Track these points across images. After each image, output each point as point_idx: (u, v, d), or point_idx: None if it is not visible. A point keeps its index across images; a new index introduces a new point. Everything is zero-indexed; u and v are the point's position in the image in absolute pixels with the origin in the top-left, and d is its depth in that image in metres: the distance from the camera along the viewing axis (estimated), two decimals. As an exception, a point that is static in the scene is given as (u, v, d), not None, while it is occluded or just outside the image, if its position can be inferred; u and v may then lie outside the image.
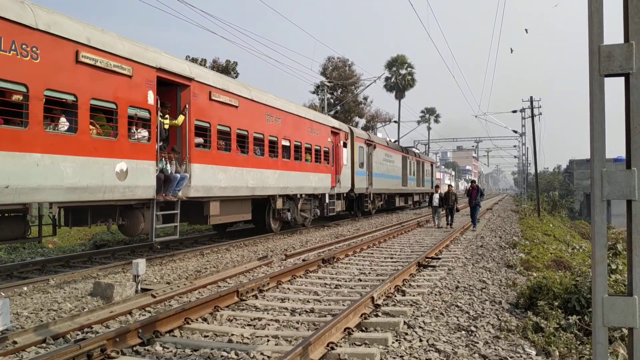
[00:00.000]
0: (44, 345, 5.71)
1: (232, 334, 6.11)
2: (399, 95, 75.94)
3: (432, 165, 46.76)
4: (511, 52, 30.42)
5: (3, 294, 8.26)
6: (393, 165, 33.27)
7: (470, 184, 23.14)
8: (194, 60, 42.74)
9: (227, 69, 44.36)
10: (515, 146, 79.02)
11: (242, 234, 18.57)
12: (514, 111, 53.22)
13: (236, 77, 44.59)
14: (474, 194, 21.20)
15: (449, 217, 22.15)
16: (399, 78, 74.46)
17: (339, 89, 61.15)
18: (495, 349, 5.70)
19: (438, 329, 6.43)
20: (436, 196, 22.19)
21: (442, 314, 7.17)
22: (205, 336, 6.19)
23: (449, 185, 25.19)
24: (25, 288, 8.77)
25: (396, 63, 74.45)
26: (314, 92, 61.01)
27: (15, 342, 5.60)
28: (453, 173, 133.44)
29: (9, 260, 12.20)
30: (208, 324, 6.73)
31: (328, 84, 49.51)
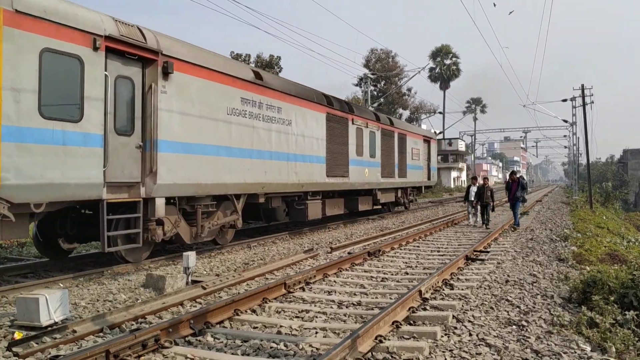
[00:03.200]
0: (101, 334, 5.92)
1: (281, 326, 6.18)
2: (444, 86, 74.93)
3: (428, 142, 29.09)
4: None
5: (62, 285, 8.60)
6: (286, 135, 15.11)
7: (509, 175, 19.40)
8: (237, 56, 43.25)
9: (271, 64, 44.66)
10: (565, 136, 76.76)
11: (287, 226, 18.71)
12: (564, 100, 51.62)
13: (279, 71, 44.86)
14: (514, 187, 18.09)
15: (484, 216, 18.49)
16: (444, 68, 73.37)
17: (382, 80, 60.73)
18: (548, 344, 5.58)
19: (488, 323, 6.34)
20: (473, 189, 19.24)
21: (492, 308, 7.06)
22: (255, 327, 6.29)
23: (485, 178, 19.37)
24: (82, 279, 9.10)
25: (441, 53, 73.42)
26: (356, 85, 60.83)
27: (74, 331, 5.84)
28: (500, 164, 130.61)
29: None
30: (257, 315, 6.83)
31: (371, 76, 49.22)
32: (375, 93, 57.23)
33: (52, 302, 6.08)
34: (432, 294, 7.68)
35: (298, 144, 14.98)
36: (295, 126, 14.85)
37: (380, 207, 24.02)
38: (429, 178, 29.22)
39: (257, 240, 14.42)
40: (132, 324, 6.32)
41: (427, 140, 29.05)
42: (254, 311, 6.98)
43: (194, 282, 8.58)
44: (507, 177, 19.58)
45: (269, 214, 15.71)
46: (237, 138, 12.18)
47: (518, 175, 18.92)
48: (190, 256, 8.62)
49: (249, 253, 12.42)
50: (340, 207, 18.62)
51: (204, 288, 8.02)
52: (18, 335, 5.73)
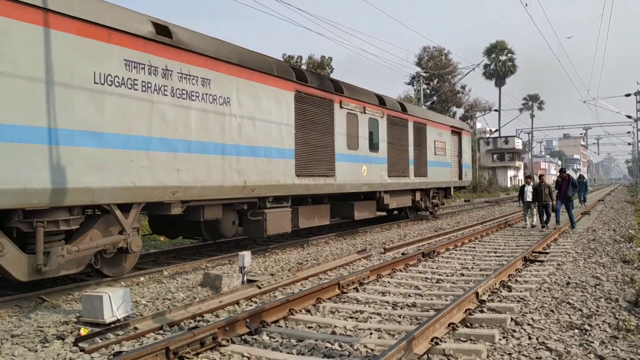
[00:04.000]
0: (160, 331, 6.10)
1: (335, 326, 6.20)
2: (499, 83, 73.22)
3: (459, 134, 24.37)
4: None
5: (123, 284, 8.91)
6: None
7: (559, 173, 18.24)
8: (289, 58, 43.62)
9: (322, 65, 44.81)
10: (629, 132, 73.50)
11: (339, 227, 18.72)
12: (628, 95, 49.50)
13: (330, 72, 44.95)
14: (564, 186, 17.07)
15: (544, 216, 17.34)
16: (499, 65, 71.70)
17: (435, 79, 59.94)
18: (613, 350, 5.36)
19: (548, 326, 6.14)
20: (528, 189, 17.83)
21: (552, 311, 6.84)
22: (309, 327, 6.33)
23: (541, 176, 17.89)
24: (142, 278, 9.41)
25: (495, 49, 71.77)
26: (409, 83, 60.30)
27: (136, 328, 6.04)
28: (559, 163, 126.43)
29: None
30: (311, 315, 6.87)
31: (424, 74, 48.66)
32: (428, 91, 56.52)
33: (115, 300, 6.31)
34: (489, 295, 7.52)
35: (243, 131, 10.67)
36: (237, 107, 10.53)
37: (389, 213, 20.80)
38: (460, 177, 24.06)
39: (310, 240, 14.51)
40: (191, 322, 6.48)
41: (456, 132, 23.97)
42: (308, 311, 7.03)
43: (249, 281, 8.72)
44: (557, 176, 18.54)
45: (210, 229, 11.47)
46: (119, 119, 8.19)
47: (567, 173, 17.81)
48: (246, 256, 8.76)
49: (302, 253, 12.51)
50: (325, 215, 14.47)
51: (259, 287, 8.13)
52: (84, 331, 5.98)
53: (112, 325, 6.15)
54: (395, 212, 21.51)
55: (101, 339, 5.73)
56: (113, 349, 5.44)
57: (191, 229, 11.71)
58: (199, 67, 9.66)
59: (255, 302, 7.60)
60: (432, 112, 23.17)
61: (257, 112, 11.15)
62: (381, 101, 16.81)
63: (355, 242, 14.41)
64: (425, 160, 20.19)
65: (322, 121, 13.56)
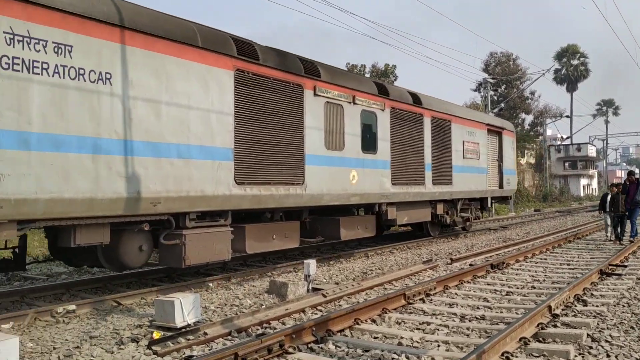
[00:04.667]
0: (229, 337, 6.22)
1: (402, 337, 6.12)
2: (571, 88, 70.57)
3: (499, 134, 20.52)
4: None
5: (193, 289, 9.17)
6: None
7: (627, 176, 16.49)
8: (353, 67, 43.75)
9: (386, 73, 44.67)
10: None
11: (404, 236, 18.51)
12: None
13: (394, 80, 44.73)
14: (633, 190, 15.48)
15: (619, 228, 15.68)
16: (570, 69, 69.11)
17: (502, 84, 58.45)
18: (701, 371, 5.02)
19: (628, 344, 5.83)
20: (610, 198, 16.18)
21: (632, 327, 6.49)
22: (375, 337, 6.28)
23: (615, 185, 16.31)
24: (211, 284, 9.65)
25: (567, 53, 69.22)
26: (475, 90, 59.07)
27: (206, 333, 6.19)
28: (638, 171, 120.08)
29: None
30: (377, 325, 6.82)
31: (491, 80, 47.55)
32: (495, 98, 55.20)
33: (185, 305, 6.50)
34: (562, 309, 7.22)
35: (138, 121, 7.78)
36: (126, 86, 7.65)
37: (392, 229, 17.96)
38: (500, 185, 20.13)
39: (374, 249, 14.43)
40: (258, 329, 6.58)
41: (495, 131, 19.98)
42: (374, 321, 6.98)
43: (314, 289, 8.77)
44: (624, 179, 16.68)
45: (110, 256, 8.44)
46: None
47: (636, 177, 16.17)
48: (311, 264, 8.82)
49: (367, 262, 12.46)
50: (292, 235, 11.03)
51: (324, 296, 8.16)
52: (156, 334, 6.19)
53: (183, 329, 6.33)
54: (405, 227, 18.31)
55: (173, 343, 5.91)
56: (184, 353, 5.61)
57: (90, 256, 8.78)
58: (48, 27, 6.81)
59: (321, 311, 7.63)
60: (459, 106, 18.36)
61: (164, 96, 8.16)
62: (381, 90, 13.40)
63: (421, 252, 14.20)
64: (450, 164, 16.45)
65: (283, 112, 10.20)
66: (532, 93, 62.06)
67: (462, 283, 9.50)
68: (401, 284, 9.57)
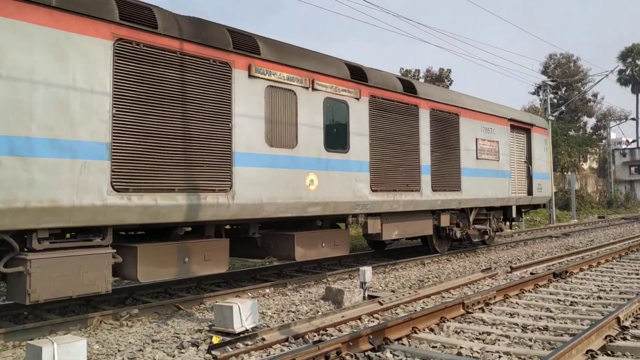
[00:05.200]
0: (286, 343, 6.26)
1: (461, 347, 6.00)
2: (636, 89, 67.61)
3: (526, 132, 17.43)
4: None
5: (250, 295, 9.30)
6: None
7: None
8: (407, 72, 43.44)
9: (441, 77, 44.12)
10: None
11: (461, 243, 18.13)
12: None
13: (449, 84, 44.14)
14: None
15: None
16: (636, 70, 66.28)
17: (562, 87, 56.67)
18: None
19: None
20: None
21: None
22: (433, 347, 6.17)
23: None
24: (267, 290, 9.76)
25: (632, 53, 66.38)
26: (534, 93, 57.56)
27: (263, 339, 6.26)
28: None
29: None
30: (435, 334, 6.70)
31: (550, 83, 46.14)
32: (555, 101, 53.54)
33: (244, 311, 6.60)
34: (632, 321, 6.88)
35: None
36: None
37: (378, 245, 15.14)
38: (529, 192, 17.09)
39: (430, 257, 14.21)
40: (314, 336, 6.59)
41: (521, 127, 16.96)
42: (431, 330, 6.87)
43: (370, 297, 8.72)
44: None
45: None
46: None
47: None
48: (367, 271, 8.78)
49: (423, 270, 12.29)
50: (214, 257, 8.48)
51: (381, 304, 8.10)
52: (216, 339, 6.31)
53: (241, 335, 6.42)
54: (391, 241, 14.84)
55: (232, 348, 6.00)
56: (243, 359, 5.68)
57: None
58: None
59: (377, 319, 7.57)
60: (470, 97, 15.17)
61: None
62: (356, 73, 10.83)
63: (479, 260, 13.89)
64: (457, 167, 13.72)
65: (197, 97, 7.94)
66: (595, 95, 60.00)
67: (523, 292, 9.22)
68: (459, 293, 9.39)
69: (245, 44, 8.79)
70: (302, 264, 12.68)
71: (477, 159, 14.44)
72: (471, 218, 14.77)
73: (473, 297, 8.02)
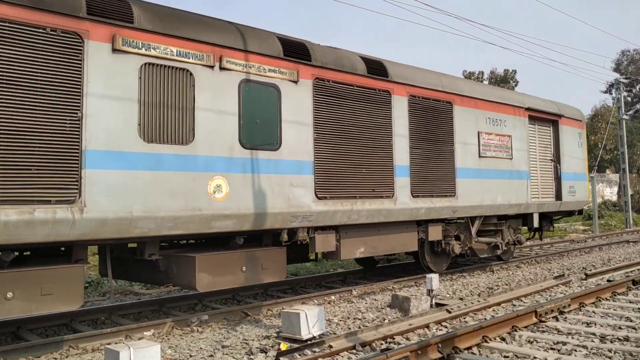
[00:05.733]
0: (353, 351, 6.24)
1: (535, 357, 5.79)
2: None
3: (553, 124, 14.58)
4: None
5: (316, 302, 9.34)
6: None
7: None
8: (470, 74, 42.61)
9: (506, 78, 43.01)
10: None
11: (531, 249, 17.53)
12: None
13: (515, 86, 42.94)
14: None
15: None
16: None
17: (637, 84, 53.98)
18: None
19: None
20: None
21: None
22: (505, 357, 5.98)
23: None
24: (333, 297, 9.77)
25: None
26: (605, 92, 55.09)
27: (330, 346, 6.26)
28: None
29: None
30: (507, 343, 6.50)
31: (624, 80, 44.02)
32: (629, 99, 51.05)
33: (310, 318, 6.64)
34: None
35: None
36: None
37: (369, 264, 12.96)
38: (558, 196, 14.21)
39: (499, 264, 13.81)
40: (382, 343, 6.53)
41: (545, 119, 14.18)
42: (503, 339, 6.66)
43: (437, 304, 8.57)
44: None
45: None
46: None
47: None
48: (434, 278, 8.64)
49: (492, 277, 11.95)
50: (62, 290, 6.33)
51: (449, 312, 7.94)
52: (283, 346, 6.37)
53: (309, 341, 6.45)
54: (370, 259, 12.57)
55: (299, 355, 6.03)
56: (310, 365, 5.70)
57: None
58: None
59: (446, 327, 7.42)
60: (468, 81, 12.96)
61: None
62: (292, 50, 8.61)
63: (551, 267, 13.38)
64: (451, 166, 11.15)
65: (25, 77, 6.04)
66: (674, 92, 56.64)
67: (599, 300, 8.80)
68: (531, 301, 9.07)
69: (108, 8, 6.82)
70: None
71: (479, 156, 11.85)
72: (474, 229, 12.07)
73: (546, 305, 7.72)
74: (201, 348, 6.61)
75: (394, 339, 6.73)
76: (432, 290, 8.62)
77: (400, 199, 9.99)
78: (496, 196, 12.11)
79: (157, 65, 7.06)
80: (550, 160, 14.31)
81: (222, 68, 7.67)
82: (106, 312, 8.53)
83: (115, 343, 6.63)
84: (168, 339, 7.17)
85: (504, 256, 13.94)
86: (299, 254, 9.80)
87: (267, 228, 8.21)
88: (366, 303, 9.15)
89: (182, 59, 7.30)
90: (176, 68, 7.23)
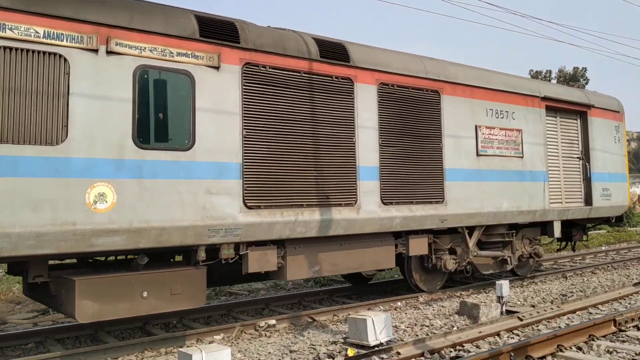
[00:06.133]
0: (422, 358, 6.15)
1: (615, 369, 5.51)
2: None
3: (581, 116, 12.45)
4: None
5: (382, 308, 9.27)
6: None
7: None
8: (537, 74, 41.28)
9: (576, 77, 41.39)
10: None
11: (607, 254, 16.71)
12: None
13: (585, 84, 41.23)
14: None
15: None
16: None
17: None
18: None
19: None
20: None
21: None
22: (583, 367, 5.74)
23: None
24: (399, 303, 9.67)
25: None
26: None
27: (398, 353, 6.20)
28: None
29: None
30: (583, 353, 6.23)
31: None
32: None
33: (377, 324, 6.60)
34: None
35: None
36: None
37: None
38: (588, 200, 12.20)
39: (572, 270, 13.26)
40: (451, 351, 6.40)
41: (569, 110, 12.14)
42: (579, 348, 6.39)
43: (508, 312, 8.32)
44: None
45: None
46: None
47: None
48: (504, 285, 8.39)
49: (565, 284, 11.48)
50: None
51: (520, 319, 7.69)
52: (351, 352, 6.36)
53: (376, 348, 6.41)
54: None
55: (367, 361, 6.01)
56: (378, 372, 5.66)
57: None
58: None
59: (517, 335, 7.19)
60: (464, 66, 10.56)
61: None
62: (212, 30, 7.14)
63: (630, 273, 12.71)
64: (438, 167, 9.43)
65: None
66: None
67: (685, 309, 8.28)
68: (608, 309, 8.65)
69: None
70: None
71: (477, 155, 10.02)
72: (472, 241, 10.20)
73: (626, 314, 7.35)
74: (270, 352, 6.70)
75: (463, 346, 6.59)
76: (502, 297, 8.38)
77: (365, 206, 8.34)
78: (501, 202, 10.28)
79: (16, 49, 5.82)
80: (577, 158, 12.28)
81: (109, 52, 6.36)
82: (177, 316, 8.80)
83: (187, 346, 6.83)
84: (237, 343, 7.31)
85: (519, 271, 11.93)
86: (237, 273, 7.92)
87: (176, 245, 6.71)
88: (433, 310, 8.99)
89: (52, 42, 6.04)
90: (43, 52, 5.98)
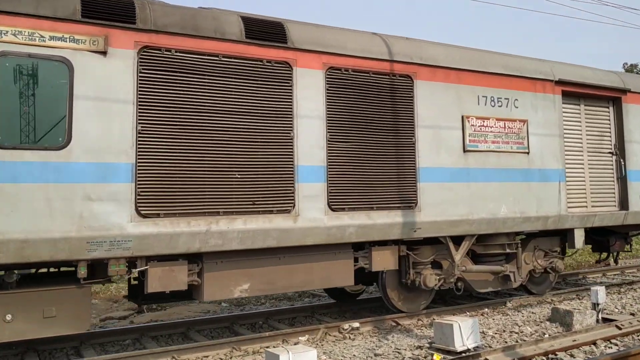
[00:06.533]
0: (512, 366, 5.96)
1: None
2: None
3: (613, 101, 10.35)
4: None
5: (468, 313, 9.05)
6: None
7: None
8: (632, 68, 38.78)
9: (677, 68, 38.48)
10: None
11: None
12: None
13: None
14: None
15: None
16: None
17: None
18: None
19: None
20: None
21: None
22: (692, 381, 5.34)
23: None
24: (486, 309, 9.40)
25: None
26: None
27: (487, 360, 6.04)
28: None
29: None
30: (692, 367, 5.79)
31: None
32: None
33: (464, 329, 6.46)
34: None
35: None
36: None
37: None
38: (623, 204, 10.17)
39: (677, 276, 12.35)
40: (543, 359, 6.16)
41: (596, 96, 10.14)
42: (688, 361, 5.94)
43: (604, 319, 7.90)
44: None
45: None
46: None
47: None
48: (600, 291, 7.97)
49: (669, 291, 10.72)
50: None
51: (619, 328, 7.27)
52: (437, 357, 6.26)
53: (463, 354, 6.28)
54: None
55: (454, 367, 5.88)
56: (467, 378, 5.53)
57: None
58: None
59: (616, 345, 6.80)
60: (448, 45, 8.92)
61: None
62: (94, 7, 6.08)
63: None
64: (410, 165, 7.93)
65: None
66: None
67: None
68: None
69: None
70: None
71: (464, 151, 8.41)
72: (459, 254, 8.53)
73: None
74: (354, 355, 6.72)
75: (556, 355, 6.33)
76: (598, 304, 7.96)
77: (305, 214, 7.03)
78: (498, 206, 8.66)
79: None
80: (609, 153, 10.27)
81: None
82: (263, 317, 9.01)
83: (274, 347, 6.99)
84: (322, 345, 7.39)
85: (534, 289, 10.11)
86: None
87: (46, 260, 5.69)
88: (522, 316, 8.67)
89: None
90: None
